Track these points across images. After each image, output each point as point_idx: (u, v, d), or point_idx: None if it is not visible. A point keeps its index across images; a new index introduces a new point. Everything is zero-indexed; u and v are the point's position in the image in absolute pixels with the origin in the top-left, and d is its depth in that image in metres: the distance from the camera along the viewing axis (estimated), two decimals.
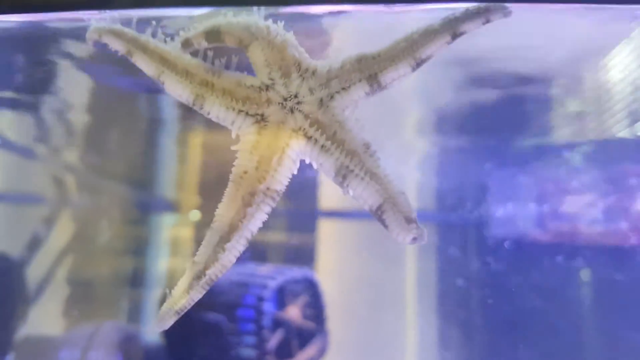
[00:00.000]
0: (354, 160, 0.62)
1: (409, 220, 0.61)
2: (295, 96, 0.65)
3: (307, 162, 0.64)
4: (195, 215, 1.40)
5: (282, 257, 1.38)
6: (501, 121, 1.29)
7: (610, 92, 1.12)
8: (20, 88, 1.21)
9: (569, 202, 1.30)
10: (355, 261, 1.38)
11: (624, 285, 1.21)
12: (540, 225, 1.30)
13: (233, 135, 0.66)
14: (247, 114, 0.65)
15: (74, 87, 1.19)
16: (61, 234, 1.38)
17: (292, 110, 0.65)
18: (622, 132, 1.19)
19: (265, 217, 0.63)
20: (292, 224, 1.42)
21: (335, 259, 1.38)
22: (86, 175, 1.46)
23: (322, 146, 0.63)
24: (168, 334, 1.26)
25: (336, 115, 0.64)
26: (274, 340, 1.23)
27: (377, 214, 0.62)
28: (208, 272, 0.62)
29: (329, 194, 1.38)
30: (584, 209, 1.28)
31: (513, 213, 1.32)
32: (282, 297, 1.27)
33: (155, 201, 1.49)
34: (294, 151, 0.64)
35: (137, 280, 1.41)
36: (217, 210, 0.63)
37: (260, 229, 1.44)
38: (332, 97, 0.64)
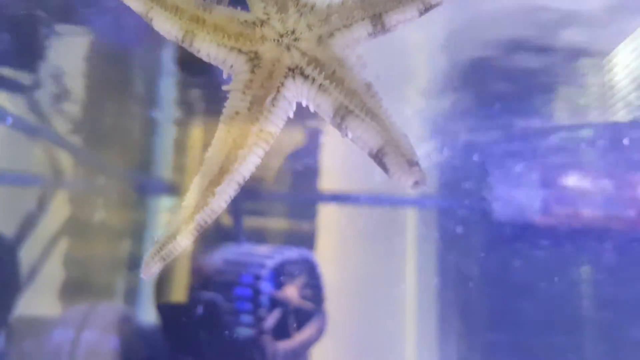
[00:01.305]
0: (354, 100, 0.58)
1: (411, 163, 0.57)
2: (292, 32, 0.61)
3: (304, 104, 0.60)
4: None
5: (281, 241, 1.36)
6: (506, 105, 1.27)
7: (613, 88, 1.10)
8: (12, 59, 1.18)
9: (574, 187, 1.28)
10: (355, 245, 1.35)
11: (627, 270, 1.18)
12: (543, 209, 1.27)
13: (225, 75, 0.62)
14: (239, 51, 0.61)
15: (68, 54, 1.16)
16: (57, 215, 1.36)
17: (288, 48, 0.61)
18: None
19: (258, 160, 0.59)
20: (292, 209, 1.40)
21: (335, 242, 1.36)
22: (83, 156, 1.44)
23: (320, 85, 0.59)
24: (164, 313, 1.24)
25: (336, 54, 0.60)
26: (271, 320, 1.20)
27: (377, 157, 0.58)
28: (197, 217, 0.58)
29: (330, 179, 1.35)
30: (588, 194, 1.25)
31: (516, 197, 1.29)
32: (279, 276, 1.24)
33: (154, 184, 1.47)
34: (290, 91, 0.60)
35: (133, 262, 1.39)
36: (206, 153, 0.60)
37: (259, 214, 1.40)
38: (331, 34, 0.60)
